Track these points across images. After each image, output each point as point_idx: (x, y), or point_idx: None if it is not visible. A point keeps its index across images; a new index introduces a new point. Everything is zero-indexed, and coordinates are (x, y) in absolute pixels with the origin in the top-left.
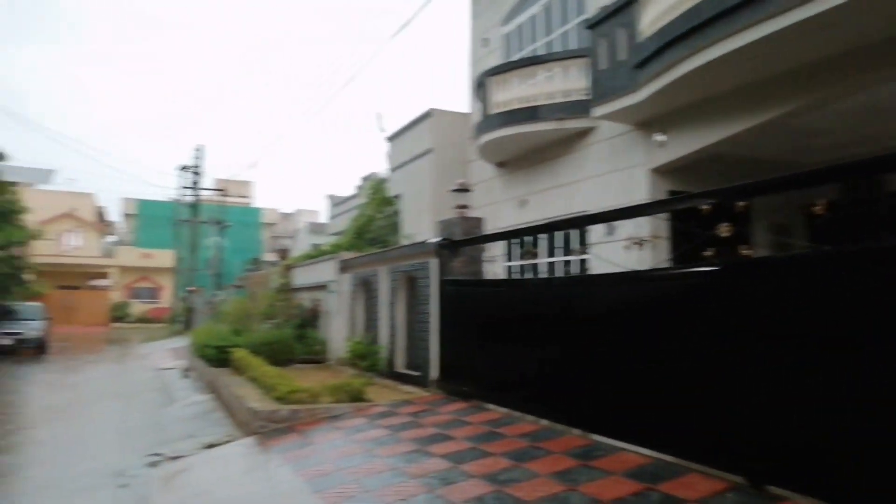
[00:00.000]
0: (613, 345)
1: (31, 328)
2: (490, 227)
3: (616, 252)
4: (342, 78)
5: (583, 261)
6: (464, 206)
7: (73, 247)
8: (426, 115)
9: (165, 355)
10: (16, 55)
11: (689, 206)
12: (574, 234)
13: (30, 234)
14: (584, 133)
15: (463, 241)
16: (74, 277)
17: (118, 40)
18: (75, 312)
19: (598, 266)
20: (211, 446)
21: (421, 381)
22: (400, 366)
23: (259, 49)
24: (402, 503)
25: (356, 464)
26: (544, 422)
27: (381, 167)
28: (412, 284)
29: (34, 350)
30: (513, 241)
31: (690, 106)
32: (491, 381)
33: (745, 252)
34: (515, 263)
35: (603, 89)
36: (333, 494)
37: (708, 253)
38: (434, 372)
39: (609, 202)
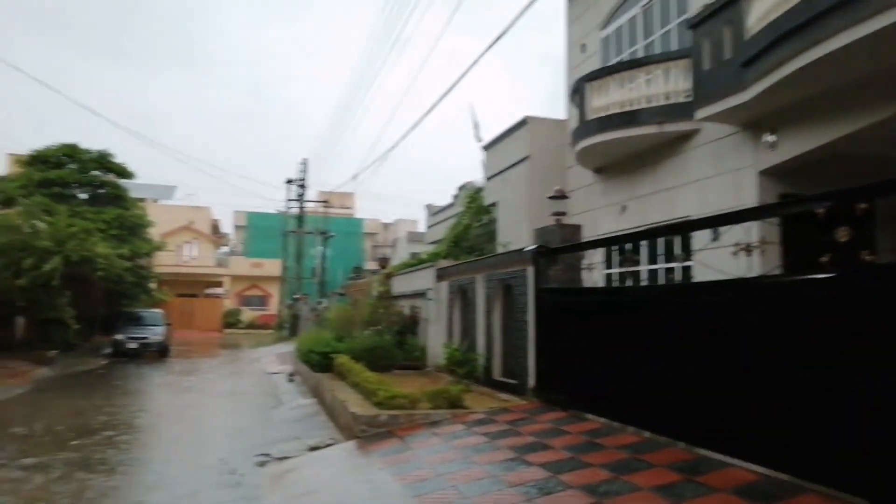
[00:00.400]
0: (721, 355)
1: (154, 333)
2: (588, 235)
3: (722, 259)
4: (439, 87)
5: (686, 268)
6: (561, 214)
7: (191, 257)
8: (522, 123)
9: (273, 360)
10: (144, 80)
11: (803, 210)
12: (676, 241)
13: (154, 246)
14: (686, 136)
15: (560, 248)
16: (192, 286)
17: (232, 64)
18: (192, 318)
19: (702, 273)
20: (314, 448)
21: (518, 390)
22: (497, 373)
23: (354, 61)
24: None
25: (454, 470)
26: (646, 433)
27: (477, 176)
28: (508, 292)
29: (157, 353)
30: (612, 248)
31: (804, 103)
32: (590, 390)
33: (867, 257)
34: (615, 271)
35: (706, 90)
36: (432, 500)
37: (824, 259)
38: (531, 380)
39: (713, 207)
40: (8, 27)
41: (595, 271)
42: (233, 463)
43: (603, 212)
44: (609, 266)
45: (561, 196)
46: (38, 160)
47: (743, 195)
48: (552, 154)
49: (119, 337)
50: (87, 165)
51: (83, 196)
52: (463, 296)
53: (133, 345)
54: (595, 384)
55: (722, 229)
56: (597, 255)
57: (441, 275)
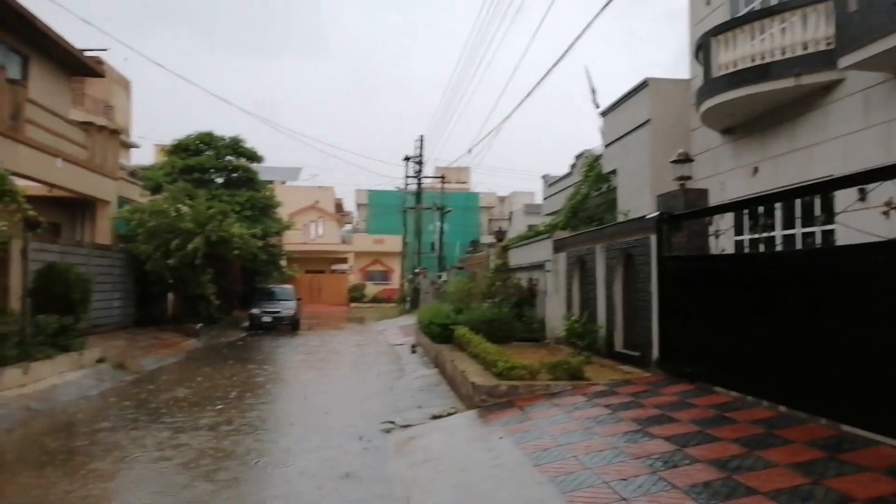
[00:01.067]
0: (870, 325)
1: (286, 308)
2: (715, 200)
3: (871, 220)
4: (553, 53)
5: (827, 232)
6: (685, 178)
7: (317, 235)
8: (642, 86)
9: (396, 332)
10: (268, 68)
11: None
12: (816, 203)
13: (283, 226)
14: (827, 88)
15: (685, 214)
16: (319, 263)
17: (349, 49)
18: (320, 294)
19: (846, 237)
20: (437, 417)
21: (641, 362)
22: (619, 345)
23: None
24: (623, 483)
25: (575, 441)
26: (782, 408)
27: (595, 143)
28: (630, 262)
29: (289, 326)
30: (742, 212)
31: None
32: (719, 362)
33: None
34: (746, 237)
35: (852, 35)
36: (553, 469)
37: None
38: (655, 352)
39: (859, 164)
40: (137, 20)
41: (723, 238)
42: (361, 429)
43: (731, 175)
44: (739, 232)
45: (685, 160)
46: (180, 148)
47: (895, 148)
48: (675, 117)
49: (255, 311)
50: (221, 151)
51: (219, 180)
52: (582, 267)
53: (267, 318)
54: (725, 356)
55: (869, 188)
56: (725, 221)
57: (559, 246)
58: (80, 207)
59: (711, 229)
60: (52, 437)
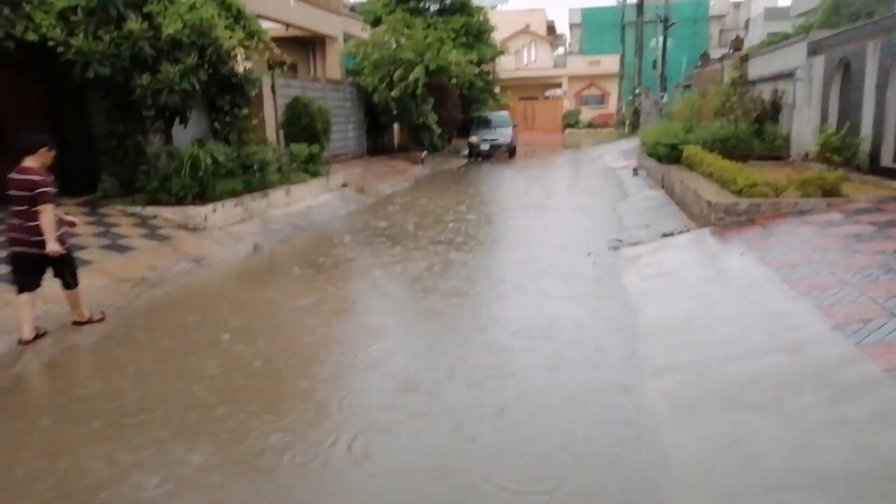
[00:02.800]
0: None
1: (503, 135)
2: None
3: None
4: None
5: None
6: None
7: (530, 61)
8: None
9: (615, 156)
10: None
11: None
12: None
13: (497, 52)
14: None
15: None
16: (532, 89)
17: None
18: (534, 121)
19: None
20: (667, 235)
21: None
22: (887, 159)
23: None
24: (895, 300)
25: (831, 258)
26: None
27: None
28: None
29: (506, 153)
30: None
31: None
32: None
33: None
34: None
35: None
36: (806, 285)
37: None
38: None
39: None
40: None
41: None
42: (587, 246)
43: None
44: None
45: None
46: None
47: None
48: None
49: (473, 139)
50: None
51: (434, 7)
52: (845, 71)
53: (485, 146)
54: None
55: None
56: None
57: (815, 48)
58: (311, 45)
59: None
60: (315, 249)
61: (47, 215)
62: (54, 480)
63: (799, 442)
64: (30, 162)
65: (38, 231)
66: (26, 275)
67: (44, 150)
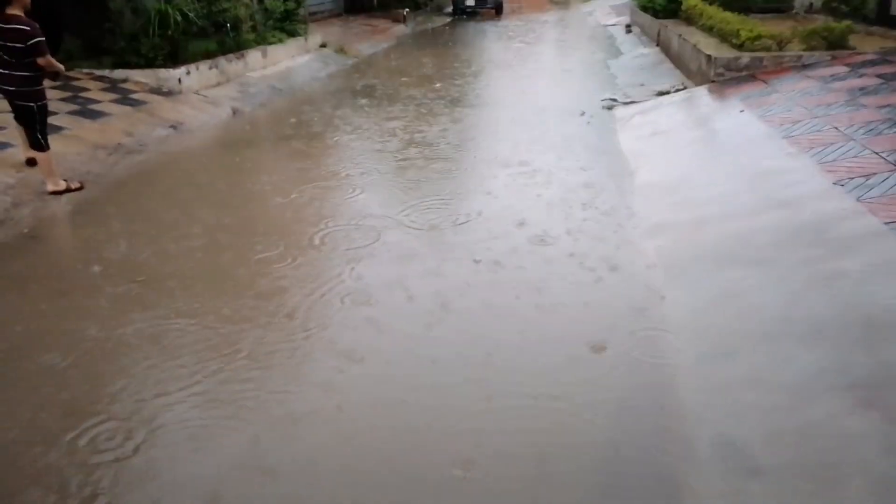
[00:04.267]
0: None
1: None
2: None
3: None
4: None
5: None
6: None
7: None
8: None
9: (607, 12)
10: None
11: None
12: None
13: None
14: None
15: None
16: None
17: None
18: None
19: None
20: (662, 94)
21: None
22: None
23: None
24: None
25: (835, 112)
26: None
27: None
28: None
29: (493, 10)
30: None
31: None
32: None
33: None
34: None
35: None
36: (807, 141)
37: None
38: None
39: None
40: None
41: None
42: (581, 104)
43: None
44: None
45: None
46: None
47: None
48: None
49: None
50: None
51: None
52: None
53: (470, 2)
54: None
55: None
56: None
57: None
58: None
59: None
60: (296, 112)
61: (48, 60)
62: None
63: (795, 294)
64: (13, 10)
65: (28, 81)
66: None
67: None
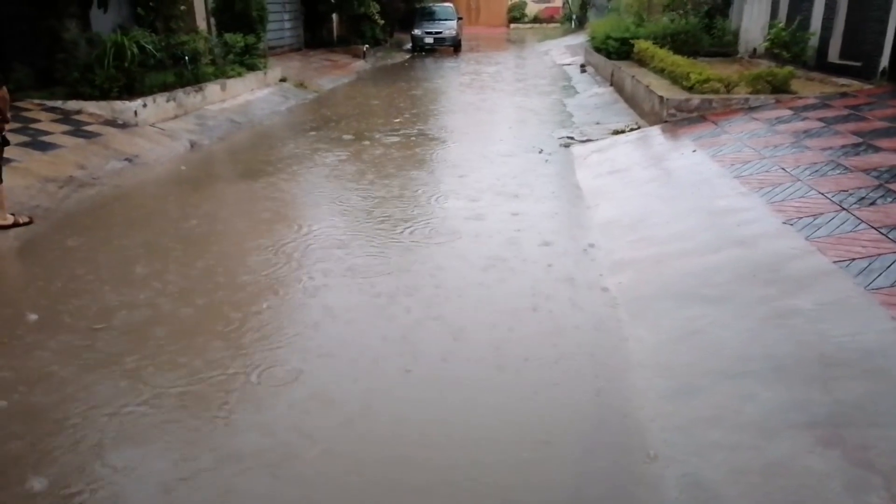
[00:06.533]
0: None
1: (447, 28)
2: None
3: None
4: None
5: None
6: None
7: None
8: None
9: (562, 52)
10: None
11: None
12: None
13: None
14: None
15: None
16: None
17: None
18: (478, 14)
19: None
20: (618, 132)
21: (862, 73)
22: (834, 55)
23: None
24: (844, 195)
25: (781, 154)
26: None
27: None
28: None
29: (451, 47)
30: None
31: None
32: None
33: None
34: None
35: None
36: (756, 181)
37: None
38: (884, 61)
39: None
40: None
41: None
42: (538, 143)
43: None
44: None
45: None
46: None
47: None
48: None
49: (416, 32)
50: None
51: None
52: None
53: (429, 40)
54: None
55: None
56: None
57: None
58: None
59: None
60: (256, 147)
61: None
62: None
63: (753, 332)
64: None
65: None
66: None
67: None
